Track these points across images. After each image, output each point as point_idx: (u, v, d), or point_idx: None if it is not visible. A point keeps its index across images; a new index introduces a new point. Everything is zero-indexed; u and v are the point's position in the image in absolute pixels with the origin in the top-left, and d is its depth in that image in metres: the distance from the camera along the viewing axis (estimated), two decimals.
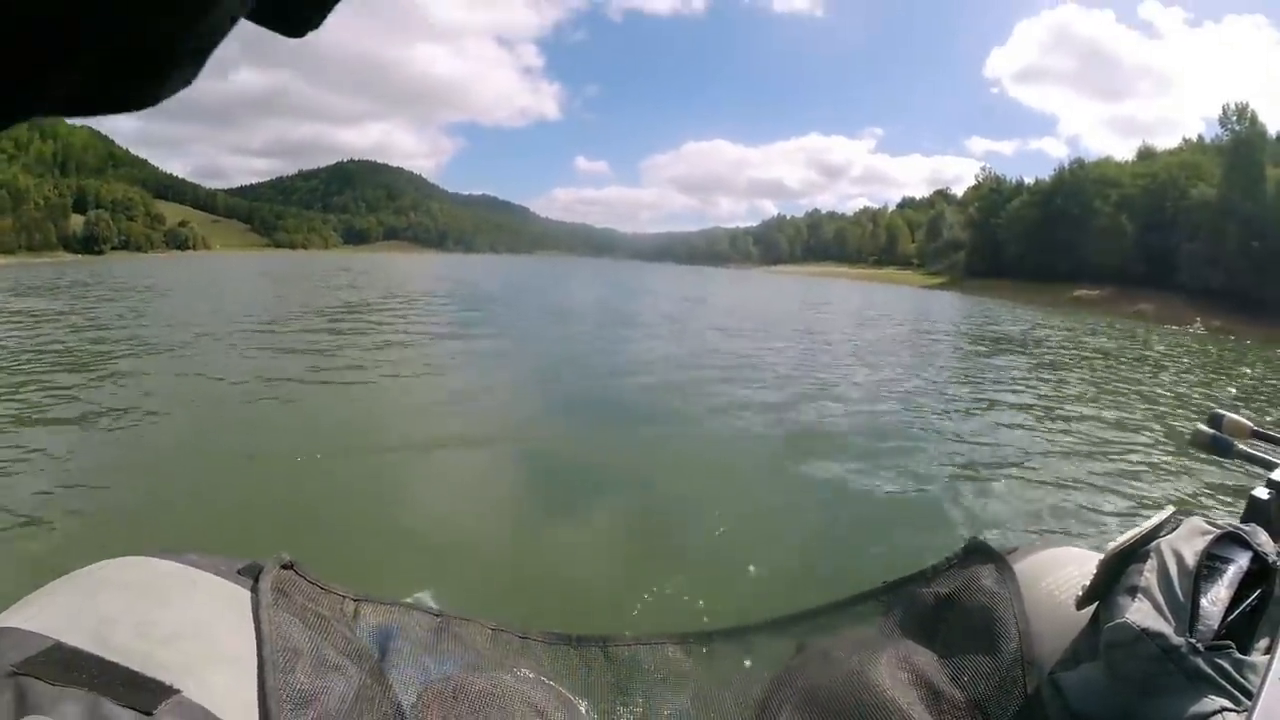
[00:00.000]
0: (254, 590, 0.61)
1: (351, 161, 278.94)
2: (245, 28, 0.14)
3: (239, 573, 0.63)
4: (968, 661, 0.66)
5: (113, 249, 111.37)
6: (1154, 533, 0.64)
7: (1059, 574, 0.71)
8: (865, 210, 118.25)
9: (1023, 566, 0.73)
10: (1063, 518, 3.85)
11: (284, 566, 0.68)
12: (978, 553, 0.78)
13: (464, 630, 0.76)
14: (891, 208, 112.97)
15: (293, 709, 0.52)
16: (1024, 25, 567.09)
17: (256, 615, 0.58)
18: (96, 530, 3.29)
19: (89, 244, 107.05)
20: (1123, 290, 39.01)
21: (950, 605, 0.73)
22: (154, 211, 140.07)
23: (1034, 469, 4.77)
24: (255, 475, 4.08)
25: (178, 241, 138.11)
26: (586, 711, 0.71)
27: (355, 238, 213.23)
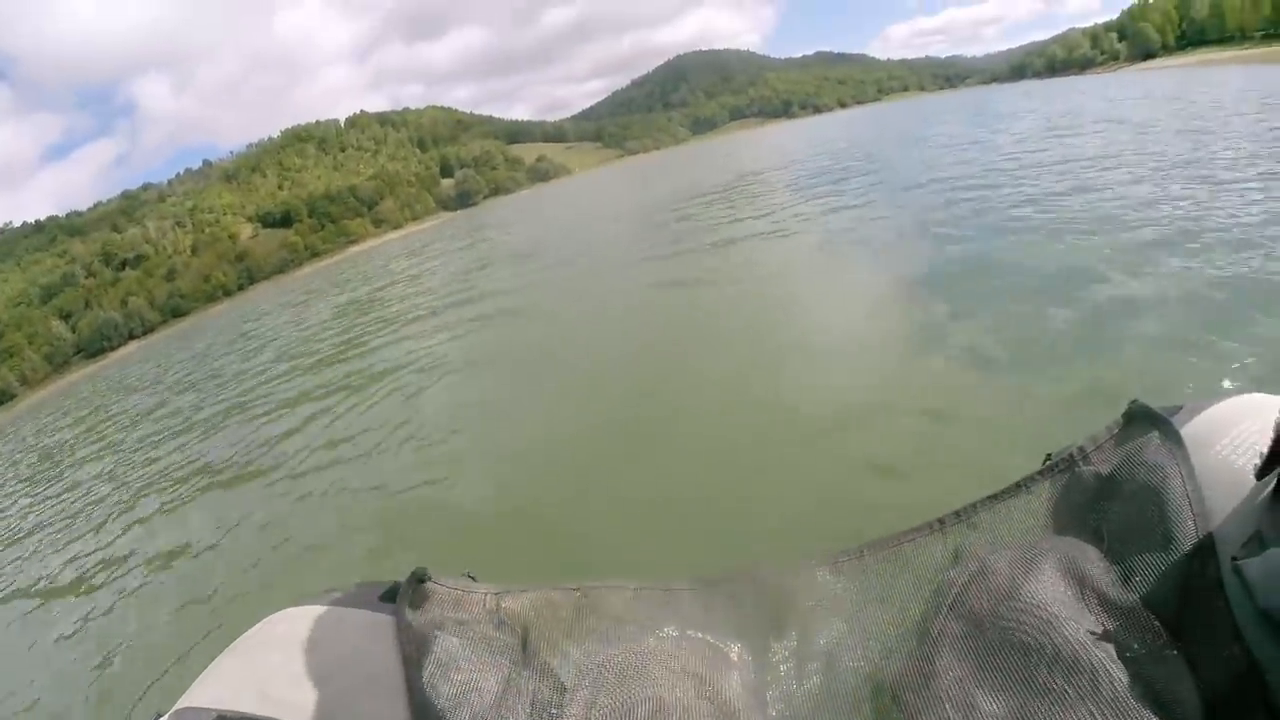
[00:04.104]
0: (394, 614, 0.64)
1: (678, 57, 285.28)
2: None
3: (381, 598, 0.67)
4: (1138, 560, 0.53)
5: (484, 198, 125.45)
6: None
7: (1236, 432, 0.56)
8: None
9: (1192, 428, 0.59)
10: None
11: (421, 580, 0.69)
12: (1140, 419, 0.62)
13: (604, 599, 0.73)
14: None
15: None
16: None
17: (399, 639, 0.62)
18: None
19: (463, 200, 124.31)
20: None
21: (1113, 488, 0.59)
22: (510, 156, 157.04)
23: None
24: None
25: (540, 175, 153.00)
26: (738, 656, 0.67)
27: (703, 126, 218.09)
